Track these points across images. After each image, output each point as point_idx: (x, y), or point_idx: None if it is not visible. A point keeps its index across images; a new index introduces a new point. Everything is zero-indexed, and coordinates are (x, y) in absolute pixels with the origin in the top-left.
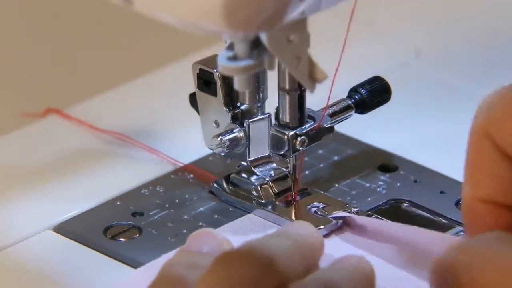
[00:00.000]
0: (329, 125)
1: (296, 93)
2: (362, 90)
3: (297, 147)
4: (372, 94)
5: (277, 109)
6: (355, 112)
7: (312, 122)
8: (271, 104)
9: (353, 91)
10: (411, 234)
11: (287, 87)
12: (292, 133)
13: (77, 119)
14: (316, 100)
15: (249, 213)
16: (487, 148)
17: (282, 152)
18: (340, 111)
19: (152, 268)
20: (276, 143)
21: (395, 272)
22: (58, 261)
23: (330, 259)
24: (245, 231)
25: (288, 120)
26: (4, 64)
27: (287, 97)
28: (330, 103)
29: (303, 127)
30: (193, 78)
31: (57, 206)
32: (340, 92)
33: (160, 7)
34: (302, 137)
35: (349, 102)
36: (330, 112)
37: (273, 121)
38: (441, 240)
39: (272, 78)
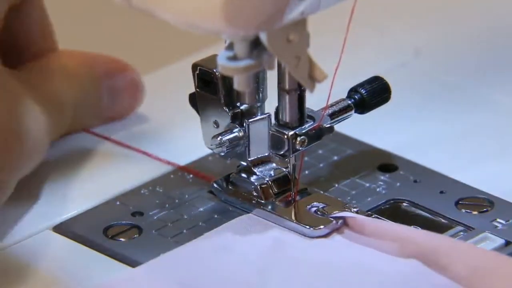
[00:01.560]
0: (328, 125)
1: (296, 93)
2: (362, 90)
3: (297, 147)
4: (372, 94)
5: (277, 109)
6: (355, 112)
7: (312, 122)
8: (271, 104)
9: (353, 91)
10: (411, 234)
11: (287, 87)
12: (291, 133)
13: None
14: (316, 100)
15: (248, 213)
16: None
17: (282, 152)
18: (340, 111)
19: (151, 268)
20: (275, 143)
21: (397, 266)
22: (58, 261)
23: (329, 256)
24: (244, 231)
25: (287, 120)
26: None
27: (287, 97)
28: (330, 103)
29: (303, 127)
30: (193, 78)
31: (57, 206)
32: (340, 92)
33: (160, 6)
34: (302, 137)
35: (349, 102)
36: (330, 112)
37: (273, 121)
38: (442, 242)
39: (272, 78)
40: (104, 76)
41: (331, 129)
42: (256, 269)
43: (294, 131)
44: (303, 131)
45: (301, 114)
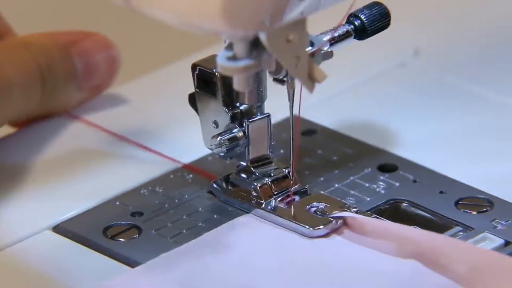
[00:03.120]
0: (328, 50)
1: None
2: (362, 15)
3: None
4: (371, 20)
5: None
6: (354, 38)
7: (311, 47)
8: (270, 104)
9: (352, 16)
10: (411, 234)
11: None
12: None
13: (77, 116)
14: None
15: (248, 213)
16: None
17: (281, 77)
18: (339, 36)
19: (150, 268)
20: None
21: (398, 266)
22: (57, 261)
23: (329, 256)
24: (244, 231)
25: None
26: None
27: None
28: (330, 28)
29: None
30: (192, 78)
31: (56, 206)
32: (341, 92)
33: (160, 7)
34: None
35: (348, 28)
36: (329, 37)
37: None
38: (442, 241)
39: (271, 78)
40: (71, 42)
41: (330, 54)
42: (255, 269)
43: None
44: None
45: None
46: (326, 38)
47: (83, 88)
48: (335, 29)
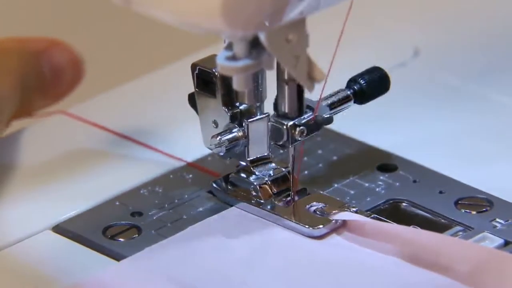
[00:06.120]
0: (328, 116)
1: (295, 84)
2: (361, 81)
3: (296, 138)
4: (371, 85)
5: (276, 100)
6: (354, 102)
7: (311, 113)
8: (270, 104)
9: (352, 81)
10: (411, 235)
11: (286, 77)
12: (291, 123)
13: (78, 116)
14: (316, 94)
15: (246, 212)
16: None
17: (281, 143)
18: (338, 101)
19: (136, 260)
20: (275, 133)
21: (397, 267)
22: (57, 261)
23: (328, 256)
24: (240, 228)
25: (287, 111)
26: None
27: (286, 88)
28: (330, 93)
29: (302, 117)
30: (192, 78)
31: (56, 206)
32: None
33: (159, 7)
34: (301, 127)
35: (348, 92)
36: (329, 102)
37: (272, 111)
38: (442, 241)
39: (271, 78)
40: (40, 49)
41: (330, 119)
42: (248, 263)
43: (293, 121)
44: (302, 122)
45: (300, 105)
46: (327, 103)
47: (48, 95)
48: (335, 94)
